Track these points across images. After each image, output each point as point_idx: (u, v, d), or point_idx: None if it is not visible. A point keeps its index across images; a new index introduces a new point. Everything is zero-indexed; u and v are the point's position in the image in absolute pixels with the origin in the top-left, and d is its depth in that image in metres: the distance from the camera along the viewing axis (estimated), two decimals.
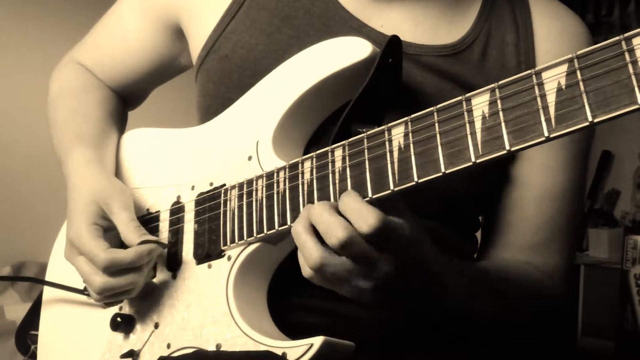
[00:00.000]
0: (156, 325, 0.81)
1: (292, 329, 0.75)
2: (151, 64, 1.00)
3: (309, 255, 0.63)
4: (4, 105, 2.55)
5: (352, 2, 0.85)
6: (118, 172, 0.94)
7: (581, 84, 0.56)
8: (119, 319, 0.83)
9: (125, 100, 1.07)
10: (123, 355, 0.81)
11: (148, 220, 0.87)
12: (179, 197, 0.84)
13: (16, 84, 2.58)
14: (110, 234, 0.82)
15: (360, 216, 0.61)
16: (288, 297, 0.81)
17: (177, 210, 0.84)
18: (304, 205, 0.70)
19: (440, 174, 0.61)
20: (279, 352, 0.68)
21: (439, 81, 0.81)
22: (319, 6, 0.84)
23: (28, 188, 2.54)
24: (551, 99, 0.57)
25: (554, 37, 0.86)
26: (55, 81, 1.03)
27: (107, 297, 0.80)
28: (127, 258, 0.77)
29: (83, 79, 1.02)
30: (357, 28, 0.83)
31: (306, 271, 0.65)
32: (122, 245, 0.80)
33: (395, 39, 0.73)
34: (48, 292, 0.98)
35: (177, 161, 0.87)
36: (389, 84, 0.75)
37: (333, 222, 0.61)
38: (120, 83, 1.03)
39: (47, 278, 0.97)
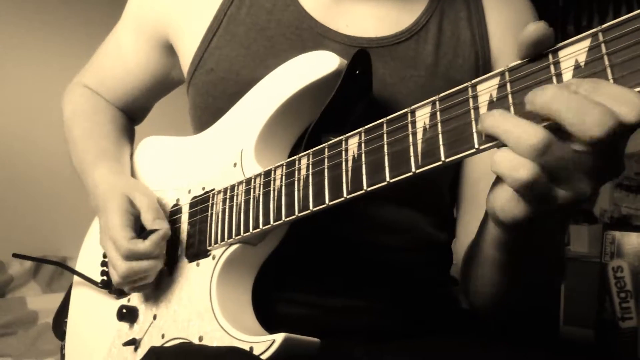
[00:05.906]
0: (154, 317, 0.89)
1: (280, 322, 0.80)
2: (148, 81, 1.07)
3: (528, 136, 0.48)
4: (26, 103, 2.63)
5: (317, 8, 0.90)
6: (133, 177, 1.03)
7: (510, 96, 0.57)
8: (124, 310, 0.91)
9: (130, 117, 1.16)
10: (125, 343, 0.90)
11: None
12: (178, 199, 0.92)
13: (42, 78, 2.64)
14: (139, 220, 0.90)
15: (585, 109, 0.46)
16: (276, 290, 0.86)
17: (175, 211, 0.91)
18: (274, 211, 0.75)
19: (385, 182, 0.63)
20: (247, 346, 0.73)
21: (400, 69, 0.85)
22: (288, 16, 0.90)
23: (49, 184, 2.60)
24: (483, 111, 0.59)
25: (502, 10, 0.92)
26: (68, 104, 1.13)
27: (129, 282, 0.87)
28: (144, 249, 0.84)
29: (93, 102, 1.11)
30: (323, 33, 0.88)
31: (522, 172, 0.49)
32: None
33: (361, 53, 0.76)
34: (76, 285, 1.09)
35: (179, 166, 0.94)
36: (359, 94, 0.78)
37: (525, 124, 0.50)
38: (124, 101, 1.12)
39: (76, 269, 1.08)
